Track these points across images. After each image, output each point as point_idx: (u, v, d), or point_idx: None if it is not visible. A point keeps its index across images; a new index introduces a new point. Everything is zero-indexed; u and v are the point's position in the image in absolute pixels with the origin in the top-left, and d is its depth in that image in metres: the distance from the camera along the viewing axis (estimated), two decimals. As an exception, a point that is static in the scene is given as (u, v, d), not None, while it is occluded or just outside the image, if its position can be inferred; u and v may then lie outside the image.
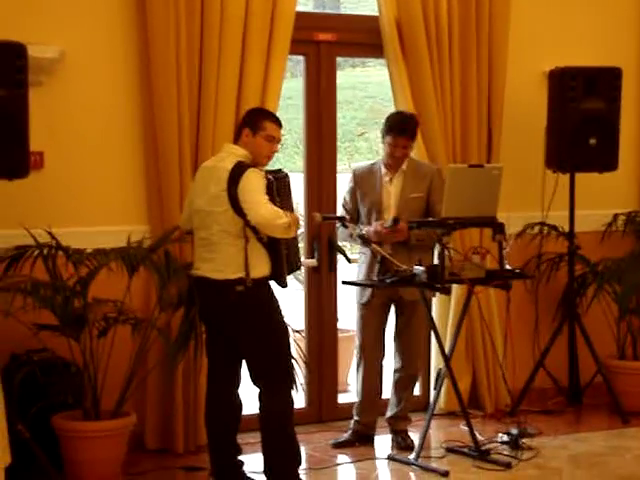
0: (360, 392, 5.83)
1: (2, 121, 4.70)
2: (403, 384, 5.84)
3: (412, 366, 5.84)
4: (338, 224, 5.66)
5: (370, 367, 5.79)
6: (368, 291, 5.67)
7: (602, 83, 6.35)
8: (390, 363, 5.92)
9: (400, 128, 5.60)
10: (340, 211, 5.84)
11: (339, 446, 5.79)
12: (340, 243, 6.00)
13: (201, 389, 5.52)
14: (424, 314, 5.70)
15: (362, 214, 5.72)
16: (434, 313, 6.12)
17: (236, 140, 4.99)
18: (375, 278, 5.53)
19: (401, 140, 5.59)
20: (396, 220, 5.46)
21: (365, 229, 5.58)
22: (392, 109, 6.17)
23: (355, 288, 5.77)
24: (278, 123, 5.00)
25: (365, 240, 5.43)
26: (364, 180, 5.73)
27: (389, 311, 5.82)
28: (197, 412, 5.61)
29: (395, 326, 5.86)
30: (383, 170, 5.72)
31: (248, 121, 4.97)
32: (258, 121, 4.94)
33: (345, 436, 5.86)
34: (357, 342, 5.84)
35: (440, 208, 5.43)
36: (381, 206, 5.64)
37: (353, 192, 5.76)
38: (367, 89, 17.44)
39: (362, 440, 5.84)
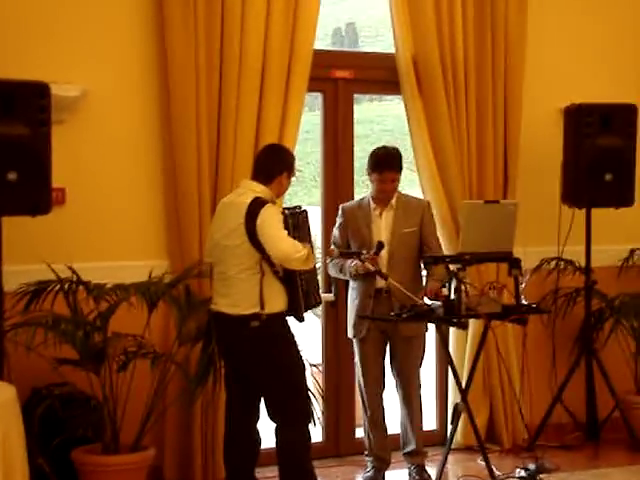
0: (368, 428, 5.80)
1: (26, 159, 4.80)
2: (410, 419, 5.79)
3: (414, 400, 5.78)
4: (329, 259, 5.72)
5: (373, 402, 5.76)
6: (364, 326, 5.65)
7: (618, 119, 6.40)
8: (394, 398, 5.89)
9: (387, 162, 5.63)
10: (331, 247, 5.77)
11: None
12: (333, 276, 5.92)
13: (219, 423, 5.56)
14: (420, 348, 5.71)
15: (353, 250, 5.69)
16: (451, 348, 6.14)
17: (266, 180, 5.03)
18: (368, 313, 5.56)
19: (389, 174, 5.62)
20: (380, 245, 5.48)
21: (352, 263, 5.58)
22: (409, 142, 6.25)
23: (349, 324, 5.76)
24: None
25: (381, 274, 5.45)
26: (354, 216, 5.74)
27: (386, 345, 5.78)
28: (215, 446, 5.64)
29: (392, 362, 5.80)
30: (372, 205, 5.73)
31: (288, 166, 5.10)
32: (294, 165, 5.12)
33: (369, 474, 5.83)
34: (358, 378, 5.79)
35: (433, 241, 5.66)
36: (372, 241, 5.63)
37: (343, 228, 5.76)
38: (384, 122, 17.52)
39: (381, 475, 5.84)
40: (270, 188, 5.01)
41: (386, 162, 5.63)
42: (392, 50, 6.26)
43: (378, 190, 5.68)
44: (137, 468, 5.20)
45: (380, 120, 18.13)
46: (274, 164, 5.09)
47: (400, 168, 5.68)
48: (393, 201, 5.71)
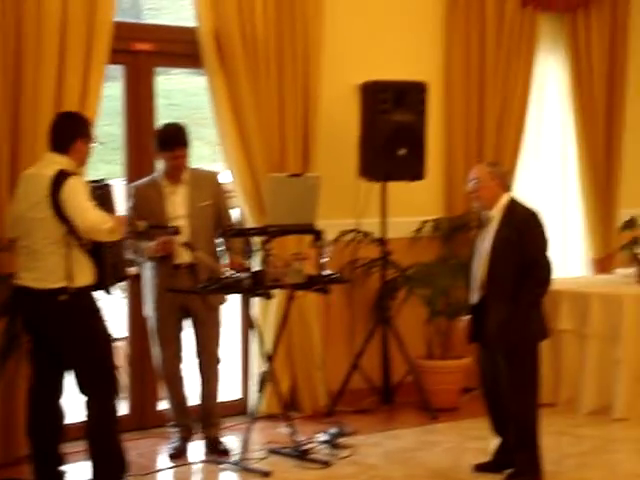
0: (170, 401, 5.88)
1: None
2: (207, 392, 5.88)
3: (213, 373, 5.88)
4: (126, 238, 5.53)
5: (174, 377, 5.84)
6: (164, 303, 5.69)
7: (410, 96, 6.70)
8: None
9: (177, 139, 5.67)
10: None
11: (176, 456, 5.78)
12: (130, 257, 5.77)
13: (19, 399, 5.46)
14: (219, 320, 5.82)
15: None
16: (256, 318, 6.24)
17: (63, 149, 4.93)
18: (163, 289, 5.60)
19: (180, 151, 5.66)
20: (175, 230, 5.51)
21: (148, 245, 5.60)
22: (199, 117, 6.27)
23: (147, 302, 5.79)
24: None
25: (190, 246, 5.48)
26: (146, 195, 5.73)
27: (183, 321, 5.85)
28: (16, 423, 5.53)
29: (195, 336, 5.85)
30: (164, 182, 5.74)
31: (81, 132, 4.97)
32: (89, 131, 5.01)
33: (175, 444, 5.88)
34: (156, 354, 5.82)
35: (227, 213, 5.81)
36: (167, 218, 5.65)
37: (136, 208, 5.72)
38: (171, 97, 17.38)
39: (186, 445, 5.91)
40: (70, 158, 4.92)
41: (176, 139, 5.66)
42: (179, 23, 6.27)
43: (170, 167, 5.69)
44: None
45: (166, 94, 17.98)
46: (66, 132, 4.98)
47: (188, 143, 5.72)
48: (185, 176, 5.74)
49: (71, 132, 4.98)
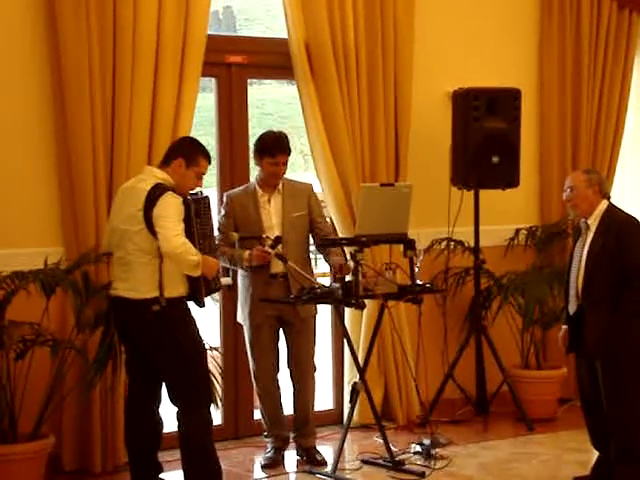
0: (266, 411, 5.87)
1: None
2: (302, 403, 5.86)
3: (309, 383, 5.87)
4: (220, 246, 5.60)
5: (271, 387, 5.83)
6: (260, 313, 5.70)
7: (503, 103, 6.63)
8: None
9: (279, 146, 5.68)
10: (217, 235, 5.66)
11: (270, 466, 5.79)
12: (224, 266, 5.87)
13: (119, 409, 5.55)
14: (314, 329, 5.81)
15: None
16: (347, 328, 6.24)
17: (164, 164, 5.01)
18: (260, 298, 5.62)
19: (282, 157, 5.67)
20: (278, 239, 5.53)
21: (247, 253, 5.62)
22: (290, 125, 6.29)
23: (241, 311, 5.81)
24: (209, 161, 5.11)
25: (282, 258, 5.50)
26: (241, 203, 5.75)
27: (279, 331, 5.85)
28: (115, 432, 5.63)
29: (288, 347, 5.84)
30: (259, 191, 5.77)
31: (185, 153, 5.00)
32: (195, 156, 5.00)
33: (270, 454, 5.88)
34: (253, 364, 5.82)
35: (324, 222, 5.82)
36: (262, 227, 5.68)
37: (229, 216, 5.76)
38: (264, 107, 17.57)
39: (282, 455, 5.91)
40: (169, 174, 4.96)
41: (278, 145, 5.67)
42: (270, 34, 6.30)
43: (270, 174, 5.70)
44: (36, 456, 5.15)
45: (260, 104, 18.17)
46: (172, 149, 5.08)
47: (290, 151, 5.75)
48: (280, 186, 5.76)
49: (175, 150, 5.05)
